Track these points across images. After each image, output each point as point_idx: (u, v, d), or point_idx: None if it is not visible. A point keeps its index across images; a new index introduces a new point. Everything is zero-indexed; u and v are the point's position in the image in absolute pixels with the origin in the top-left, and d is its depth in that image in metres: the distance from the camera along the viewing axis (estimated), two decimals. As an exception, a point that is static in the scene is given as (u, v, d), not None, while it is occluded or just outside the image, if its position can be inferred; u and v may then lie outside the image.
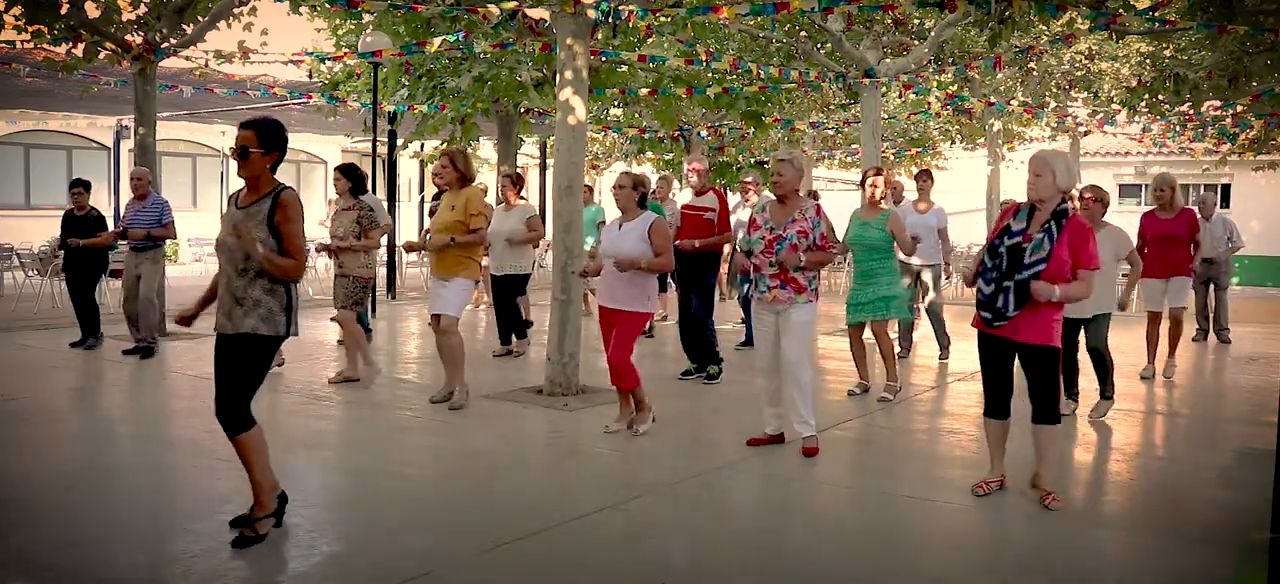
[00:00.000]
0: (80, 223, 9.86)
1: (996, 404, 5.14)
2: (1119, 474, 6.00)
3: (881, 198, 7.90)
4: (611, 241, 6.36)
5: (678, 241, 8.38)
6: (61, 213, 10.17)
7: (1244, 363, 10.43)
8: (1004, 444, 5.22)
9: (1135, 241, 8.01)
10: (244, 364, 4.22)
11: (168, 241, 9.93)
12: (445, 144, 15.89)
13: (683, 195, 11.95)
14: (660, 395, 7.66)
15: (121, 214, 10.92)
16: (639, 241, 6.21)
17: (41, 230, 17.68)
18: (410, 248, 8.41)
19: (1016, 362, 5.04)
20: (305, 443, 6.38)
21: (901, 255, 7.84)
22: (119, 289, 10.97)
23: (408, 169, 26.32)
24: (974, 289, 5.07)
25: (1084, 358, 7.08)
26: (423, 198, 25.35)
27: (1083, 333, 6.93)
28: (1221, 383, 9.39)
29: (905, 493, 5.32)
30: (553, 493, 5.25)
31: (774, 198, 6.06)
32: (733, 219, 9.13)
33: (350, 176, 8.20)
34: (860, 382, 8.01)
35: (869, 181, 7.88)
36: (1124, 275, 7.72)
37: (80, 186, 9.98)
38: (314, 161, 26.29)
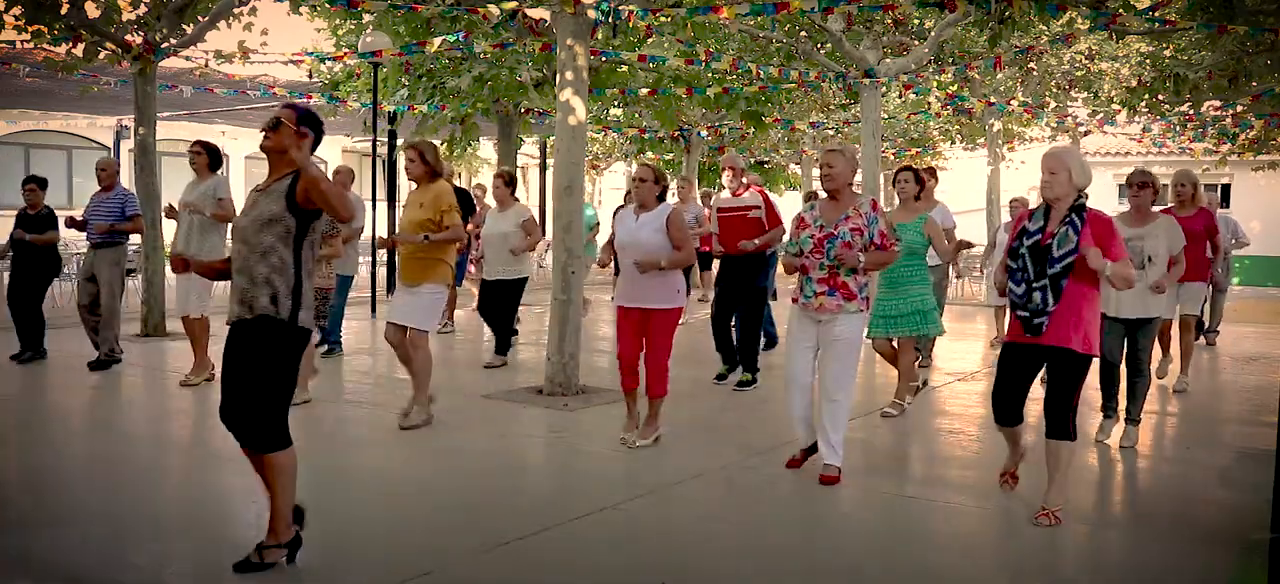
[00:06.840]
0: (32, 221, 8.71)
1: (1005, 412, 4.86)
2: (1119, 474, 6.00)
3: (918, 197, 7.32)
4: (628, 233, 5.96)
5: (722, 244, 7.85)
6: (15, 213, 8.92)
7: (1244, 363, 10.42)
8: (1020, 438, 5.00)
9: None
10: (255, 351, 3.88)
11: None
12: (445, 144, 15.88)
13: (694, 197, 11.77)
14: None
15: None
16: (656, 233, 5.86)
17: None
18: (383, 245, 7.94)
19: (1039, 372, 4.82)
20: (306, 443, 6.38)
21: (933, 259, 7.36)
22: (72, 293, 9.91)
23: (408, 169, 26.27)
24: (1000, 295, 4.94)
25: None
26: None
27: (1128, 342, 6.33)
28: (1221, 383, 9.37)
29: (906, 492, 5.33)
30: (553, 493, 5.26)
31: (825, 194, 5.51)
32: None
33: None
34: (900, 396, 7.20)
35: (902, 178, 7.27)
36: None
37: (33, 183, 8.83)
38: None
